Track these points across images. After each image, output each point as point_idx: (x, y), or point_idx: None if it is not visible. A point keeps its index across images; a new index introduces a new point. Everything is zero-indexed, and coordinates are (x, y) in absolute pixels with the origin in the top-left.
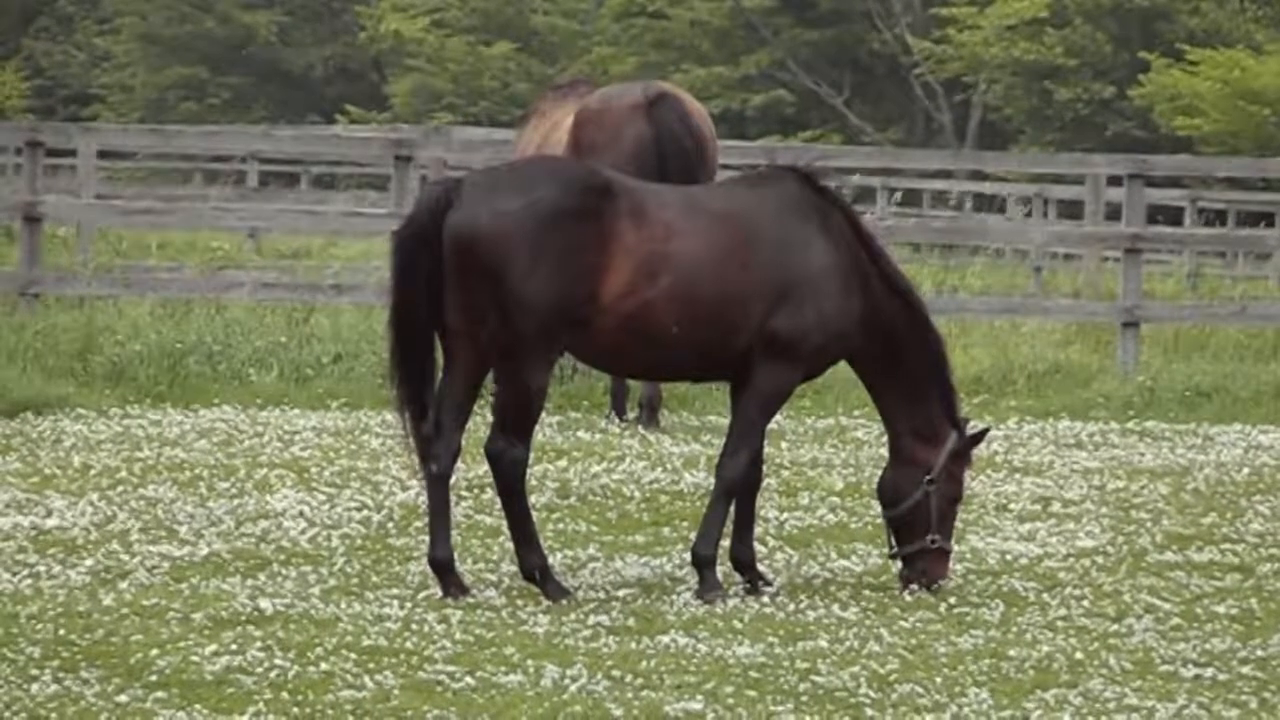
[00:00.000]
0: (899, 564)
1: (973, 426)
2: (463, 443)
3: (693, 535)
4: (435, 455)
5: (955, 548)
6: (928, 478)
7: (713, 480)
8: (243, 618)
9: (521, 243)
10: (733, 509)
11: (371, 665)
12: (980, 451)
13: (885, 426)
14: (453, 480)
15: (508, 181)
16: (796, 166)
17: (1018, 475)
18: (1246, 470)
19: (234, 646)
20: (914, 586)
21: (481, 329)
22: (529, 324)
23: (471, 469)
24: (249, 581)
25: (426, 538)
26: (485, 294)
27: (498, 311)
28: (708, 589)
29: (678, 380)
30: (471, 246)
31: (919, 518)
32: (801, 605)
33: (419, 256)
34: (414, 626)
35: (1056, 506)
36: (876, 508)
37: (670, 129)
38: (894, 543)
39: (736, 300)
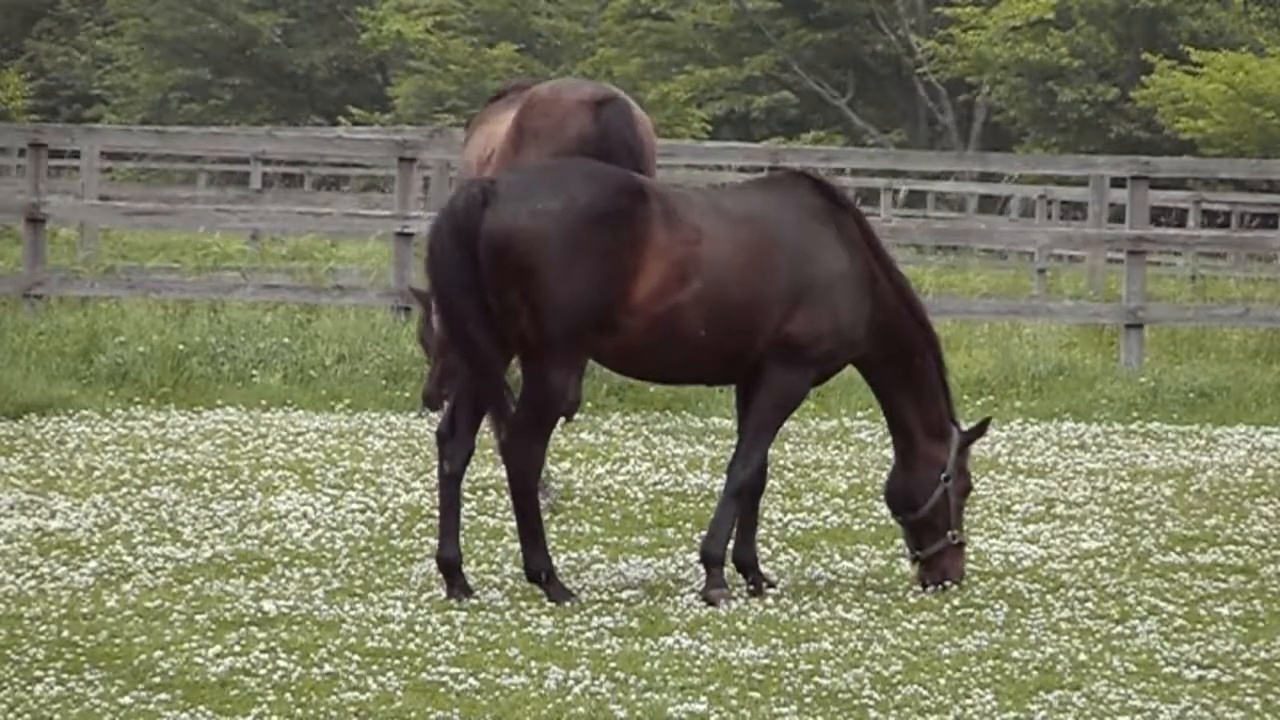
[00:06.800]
0: (917, 567)
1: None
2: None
3: (696, 537)
4: (448, 455)
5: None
6: (943, 474)
7: (716, 482)
8: (246, 619)
9: (558, 243)
10: None
11: (375, 667)
12: (983, 453)
13: (893, 429)
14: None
15: (544, 182)
16: (808, 171)
17: (1021, 477)
18: (1250, 472)
19: (237, 648)
20: (931, 587)
21: (510, 329)
22: (559, 324)
23: (475, 471)
24: (252, 583)
25: (430, 539)
26: (518, 293)
27: (529, 311)
28: (713, 587)
29: (694, 383)
30: (508, 246)
31: (940, 516)
32: (805, 607)
33: (458, 254)
34: (417, 628)
35: (1060, 508)
36: (880, 509)
37: (617, 131)
38: (917, 546)
39: (760, 303)
